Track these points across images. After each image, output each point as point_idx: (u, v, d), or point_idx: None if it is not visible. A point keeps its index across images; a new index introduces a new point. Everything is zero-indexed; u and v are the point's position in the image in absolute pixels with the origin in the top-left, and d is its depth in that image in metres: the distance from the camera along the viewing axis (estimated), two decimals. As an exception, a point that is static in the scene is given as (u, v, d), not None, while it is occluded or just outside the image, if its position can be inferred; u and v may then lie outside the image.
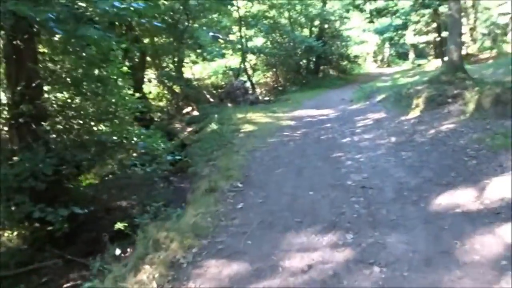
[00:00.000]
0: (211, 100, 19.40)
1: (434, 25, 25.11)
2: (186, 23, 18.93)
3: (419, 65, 29.19)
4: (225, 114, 13.78)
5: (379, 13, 13.14)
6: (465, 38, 24.50)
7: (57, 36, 7.48)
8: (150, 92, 19.01)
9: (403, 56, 41.77)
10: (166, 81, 19.08)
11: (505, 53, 21.94)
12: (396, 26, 18.90)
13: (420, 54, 38.16)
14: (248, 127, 10.95)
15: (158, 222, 4.66)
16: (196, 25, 19.87)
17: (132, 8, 6.31)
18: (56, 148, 7.00)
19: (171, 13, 17.73)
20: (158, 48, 17.33)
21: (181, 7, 17.76)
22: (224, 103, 16.72)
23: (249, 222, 4.50)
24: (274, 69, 24.80)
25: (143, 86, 17.66)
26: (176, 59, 19.60)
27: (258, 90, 25.24)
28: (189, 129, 13.94)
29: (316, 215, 4.56)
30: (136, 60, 15.58)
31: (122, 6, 5.74)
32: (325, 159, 7.01)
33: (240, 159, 7.23)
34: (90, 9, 6.42)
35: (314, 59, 25.56)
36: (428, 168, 5.68)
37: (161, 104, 20.40)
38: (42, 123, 7.34)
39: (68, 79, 7.67)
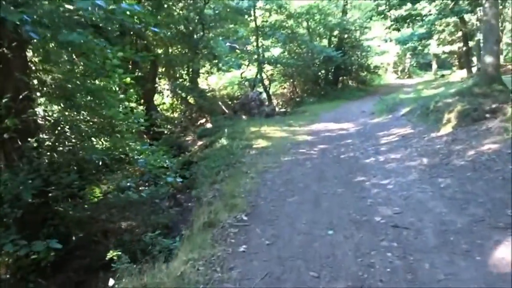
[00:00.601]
0: (226, 111, 18.53)
1: (459, 34, 23.78)
2: (201, 33, 18.21)
3: (442, 75, 27.78)
4: (238, 127, 12.83)
5: (404, 20, 12.09)
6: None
7: (51, 43, 6.69)
8: (163, 103, 18.24)
9: (425, 67, 40.31)
10: (179, 92, 18.28)
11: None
12: (419, 35, 17.75)
13: (442, 64, 36.66)
14: (260, 143, 9.95)
15: (137, 270, 3.67)
16: (211, 35, 19.12)
17: (128, 13, 5.43)
18: (41, 168, 6.12)
19: (186, 23, 17.00)
20: (171, 58, 16.52)
21: (197, 17, 17.02)
22: (239, 115, 15.78)
23: (251, 275, 3.47)
24: (292, 80, 23.82)
25: (155, 97, 16.93)
26: (190, 70, 18.85)
27: (274, 101, 24.29)
28: (200, 142, 13.03)
29: (338, 267, 3.50)
30: (147, 71, 14.80)
31: (111, 7, 4.83)
32: (346, 184, 5.94)
33: (249, 183, 6.21)
34: (79, 12, 5.55)
35: (332, 70, 24.49)
36: (476, 202, 4.54)
37: (175, 115, 19.69)
38: (29, 139, 6.49)
39: (59, 91, 6.81)
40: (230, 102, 22.05)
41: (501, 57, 24.77)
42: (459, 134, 8.12)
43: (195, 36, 18.07)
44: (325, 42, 25.27)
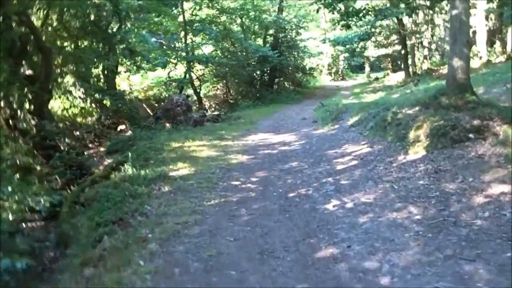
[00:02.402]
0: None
1: (393, 37, 22.59)
2: (118, 25, 14.94)
3: (376, 78, 26.65)
4: (157, 141, 9.92)
5: (357, 14, 10.13)
6: (427, 51, 22.13)
7: None
8: (70, 107, 14.66)
9: (355, 69, 39.64)
10: (92, 93, 14.80)
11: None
12: (360, 36, 16.07)
13: (372, 67, 36.03)
14: (180, 169, 7.17)
15: None
16: (130, 27, 15.85)
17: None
18: None
19: (96, 11, 13.63)
20: (74, 53, 13.10)
21: (109, 4, 13.70)
22: (161, 123, 12.80)
23: None
24: (225, 81, 21.12)
25: (57, 101, 13.40)
26: (105, 68, 15.43)
27: (206, 104, 21.51)
28: (108, 160, 9.93)
29: None
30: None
31: None
32: (306, 268, 3.42)
33: (140, 271, 3.44)
34: None
35: (268, 71, 22.15)
36: None
37: (89, 121, 16.17)
38: None
39: None
40: (157, 105, 18.93)
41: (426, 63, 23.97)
42: (438, 160, 5.96)
43: (109, 28, 14.80)
44: (260, 41, 22.88)
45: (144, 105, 18.95)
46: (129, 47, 14.50)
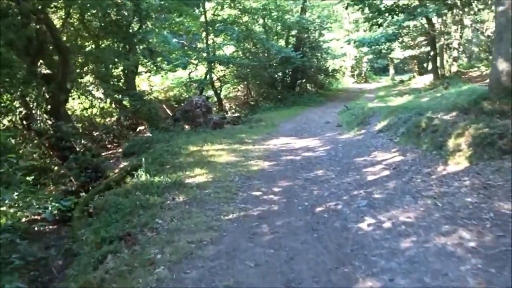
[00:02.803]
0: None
1: (421, 38, 21.61)
2: (139, 24, 14.59)
3: (401, 81, 25.62)
4: (174, 144, 9.44)
5: (389, 11, 9.35)
6: (456, 53, 21.05)
7: None
8: (90, 107, 14.39)
9: (378, 72, 38.53)
10: (112, 93, 14.48)
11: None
12: (387, 37, 15.26)
13: (396, 69, 34.89)
14: (197, 175, 6.64)
15: None
16: (151, 27, 15.49)
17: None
18: None
19: (117, 10, 13.29)
20: (94, 53, 12.78)
21: (130, 3, 13.34)
22: (180, 125, 12.34)
23: None
24: (246, 82, 20.57)
25: (78, 101, 13.14)
26: (125, 68, 15.10)
27: (227, 105, 21.02)
28: (124, 163, 9.53)
29: None
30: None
31: None
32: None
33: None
34: None
35: (290, 72, 21.49)
36: None
37: (108, 121, 15.90)
38: None
39: None
40: (177, 106, 18.54)
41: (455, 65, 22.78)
42: (486, 173, 5.24)
43: (130, 28, 14.46)
44: (282, 42, 22.25)
45: (164, 106, 18.60)
46: (149, 47, 14.10)
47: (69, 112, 13.48)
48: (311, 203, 5.14)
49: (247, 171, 7.02)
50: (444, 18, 18.39)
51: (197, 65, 18.87)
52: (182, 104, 16.68)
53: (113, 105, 15.65)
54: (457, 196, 4.73)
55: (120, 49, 14.06)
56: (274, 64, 19.65)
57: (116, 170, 9.18)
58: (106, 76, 14.22)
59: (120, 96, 14.60)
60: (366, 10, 12.63)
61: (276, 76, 20.92)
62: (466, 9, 20.23)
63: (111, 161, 10.20)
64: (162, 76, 19.86)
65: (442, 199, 4.71)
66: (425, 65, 27.86)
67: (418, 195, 5.00)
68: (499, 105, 6.82)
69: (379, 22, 10.83)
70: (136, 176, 6.29)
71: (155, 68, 16.18)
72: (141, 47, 14.39)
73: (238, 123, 15.17)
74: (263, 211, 4.94)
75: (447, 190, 5.00)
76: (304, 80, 22.60)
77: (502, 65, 6.90)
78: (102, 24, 13.67)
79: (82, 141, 10.08)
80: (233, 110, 20.89)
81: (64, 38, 11.76)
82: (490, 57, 25.80)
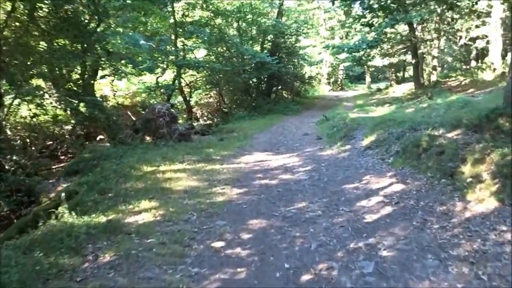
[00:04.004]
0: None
1: (399, 46, 20.51)
2: (96, 23, 12.67)
3: (379, 89, 24.52)
4: (126, 161, 7.65)
5: (384, 9, 8.02)
6: (436, 62, 20.03)
7: None
8: (41, 115, 12.30)
9: (353, 80, 37.68)
10: (66, 99, 12.45)
11: (481, 80, 17.56)
12: (369, 43, 13.99)
13: (372, 78, 34.00)
14: (143, 212, 4.92)
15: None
16: (114, 26, 13.62)
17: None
18: None
19: (69, 5, 11.35)
20: (40, 52, 10.80)
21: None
22: (139, 137, 10.52)
23: None
24: (218, 88, 18.86)
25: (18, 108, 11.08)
26: (84, 70, 13.13)
27: (198, 112, 19.26)
28: (63, 185, 7.64)
29: None
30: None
31: None
32: None
33: None
34: None
35: (265, 79, 19.95)
36: None
37: (63, 130, 13.84)
38: None
39: None
40: (144, 113, 16.63)
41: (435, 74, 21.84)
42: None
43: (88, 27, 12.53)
44: (257, 47, 20.69)
45: (129, 113, 16.70)
46: (106, 47, 12.21)
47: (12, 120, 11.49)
48: (293, 266, 3.51)
49: (210, 203, 5.33)
50: (425, 24, 17.32)
51: (165, 69, 17.01)
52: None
53: (68, 112, 13.62)
54: (502, 259, 3.21)
55: (75, 49, 12.12)
56: (249, 70, 18.05)
57: (53, 194, 7.30)
58: (59, 79, 12.26)
59: (76, 102, 12.62)
60: (356, 8, 11.29)
61: (250, 82, 19.33)
62: (442, 17, 19.36)
63: (51, 180, 8.27)
64: (128, 81, 17.92)
65: (482, 265, 3.17)
66: (402, 74, 26.98)
67: (444, 254, 3.45)
68: (520, 122, 5.42)
69: (369, 22, 9.40)
70: (55, 216, 4.48)
71: (114, 71, 14.21)
72: (98, 47, 12.46)
73: (208, 132, 13.49)
74: (224, 281, 3.27)
75: (484, 247, 3.47)
76: (280, 87, 21.12)
77: (523, 74, 5.51)
78: (53, 20, 11.72)
79: (14, 157, 8.11)
80: (205, 118, 19.17)
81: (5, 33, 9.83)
82: (465, 67, 25.26)
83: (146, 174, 6.84)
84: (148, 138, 10.75)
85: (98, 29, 12.55)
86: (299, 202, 5.32)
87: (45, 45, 12.20)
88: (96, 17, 12.44)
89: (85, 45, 12.19)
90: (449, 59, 30.22)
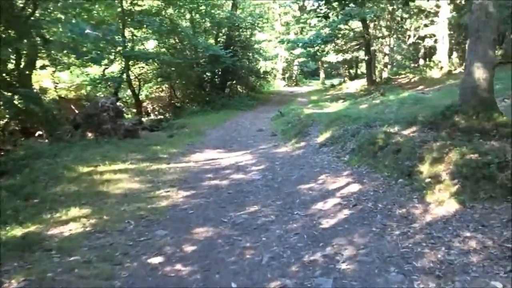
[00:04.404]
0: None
1: (353, 43, 20.64)
2: (32, 8, 11.44)
3: (332, 85, 24.67)
4: (60, 162, 6.79)
5: (339, 1, 7.77)
6: (387, 59, 20.36)
7: None
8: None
9: (308, 75, 37.88)
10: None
11: (430, 78, 18.04)
12: (324, 38, 13.79)
13: (326, 74, 34.31)
14: (71, 223, 4.22)
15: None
16: (53, 13, 12.37)
17: None
18: None
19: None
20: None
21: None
22: (80, 133, 9.59)
23: None
24: (170, 82, 17.96)
25: None
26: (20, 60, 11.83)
27: (149, 107, 18.27)
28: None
29: None
30: None
31: None
32: None
33: None
34: None
35: (219, 73, 19.31)
36: None
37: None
38: None
39: None
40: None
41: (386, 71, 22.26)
42: (494, 225, 3.53)
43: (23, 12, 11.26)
44: (211, 41, 19.96)
45: (73, 107, 15.44)
46: (43, 35, 11.05)
47: None
48: (242, 284, 3.01)
49: (151, 209, 4.72)
50: (377, 22, 17.47)
51: (112, 60, 15.86)
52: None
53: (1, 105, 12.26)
54: (470, 272, 2.90)
55: (7, 36, 10.84)
56: (202, 63, 17.32)
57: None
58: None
59: (9, 94, 11.35)
60: (311, 2, 10.98)
61: (204, 76, 18.62)
62: (393, 16, 19.70)
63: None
64: (71, 72, 16.56)
65: (450, 279, 2.85)
66: (353, 70, 27.36)
67: (408, 266, 3.10)
68: (477, 120, 5.27)
69: (325, 13, 9.14)
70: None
71: (54, 61, 12.99)
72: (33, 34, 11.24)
73: (157, 128, 12.69)
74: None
75: (449, 256, 3.16)
76: (234, 82, 20.57)
77: (479, 71, 5.36)
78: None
79: None
80: (156, 113, 18.23)
81: None
82: (413, 65, 26.04)
83: (82, 175, 6.07)
84: (90, 134, 9.83)
85: (34, 15, 11.35)
86: (251, 206, 4.84)
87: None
88: (32, 0, 11.24)
89: (18, 32, 10.96)
90: (399, 57, 31.13)
